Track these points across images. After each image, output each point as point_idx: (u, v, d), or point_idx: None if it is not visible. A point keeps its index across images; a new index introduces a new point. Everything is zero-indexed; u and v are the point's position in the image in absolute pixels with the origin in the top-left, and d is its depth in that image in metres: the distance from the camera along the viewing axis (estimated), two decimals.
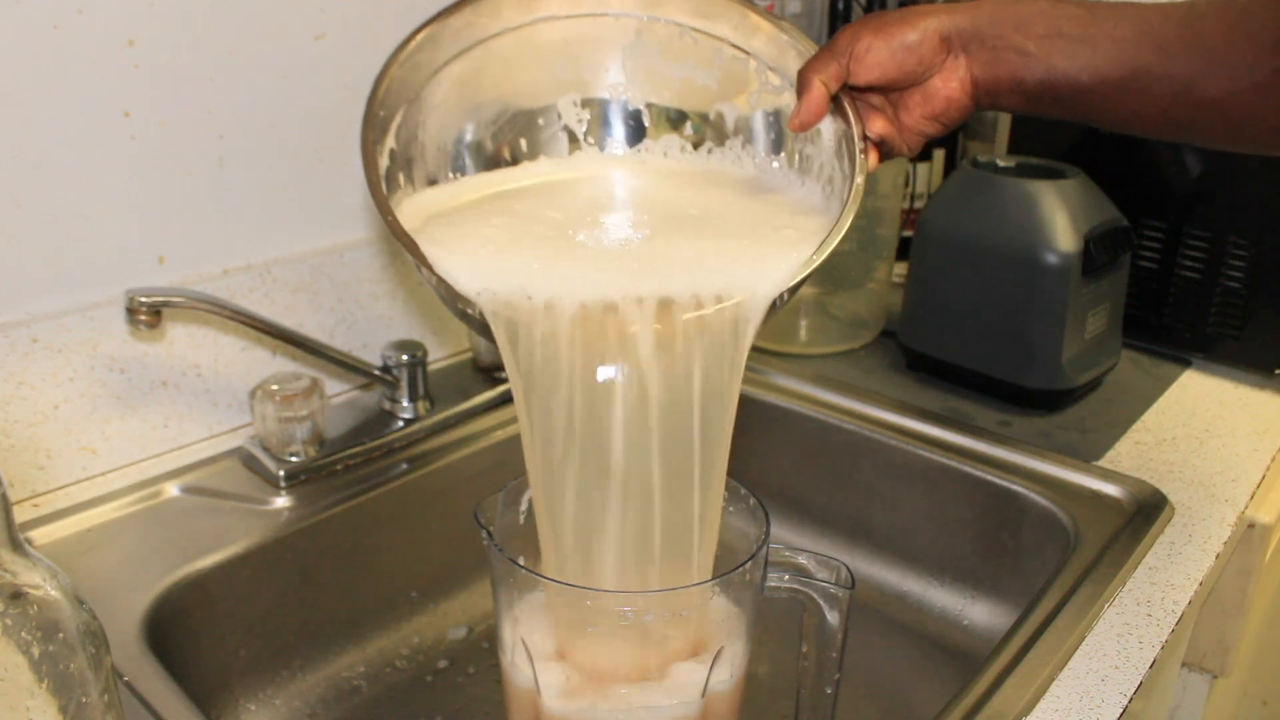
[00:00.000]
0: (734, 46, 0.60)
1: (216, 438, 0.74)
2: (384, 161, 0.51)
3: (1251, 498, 0.71)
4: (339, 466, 0.71)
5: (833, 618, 0.48)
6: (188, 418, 0.73)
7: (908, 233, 1.01)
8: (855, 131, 0.54)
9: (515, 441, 0.72)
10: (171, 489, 0.68)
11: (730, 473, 0.50)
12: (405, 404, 0.76)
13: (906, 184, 1.02)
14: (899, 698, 0.70)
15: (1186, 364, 0.91)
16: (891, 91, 0.56)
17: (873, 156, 0.55)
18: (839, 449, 0.81)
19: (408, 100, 0.53)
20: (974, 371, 0.84)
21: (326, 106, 0.76)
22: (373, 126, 0.50)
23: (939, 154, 1.17)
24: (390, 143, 0.52)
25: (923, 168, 1.14)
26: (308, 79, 0.75)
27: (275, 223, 0.76)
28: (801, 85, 0.54)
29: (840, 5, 1.17)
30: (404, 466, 0.73)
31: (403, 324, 0.84)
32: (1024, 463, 0.74)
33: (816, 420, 0.82)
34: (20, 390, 0.64)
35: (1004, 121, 1.10)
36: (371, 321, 0.82)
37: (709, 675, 0.45)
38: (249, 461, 0.71)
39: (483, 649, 0.72)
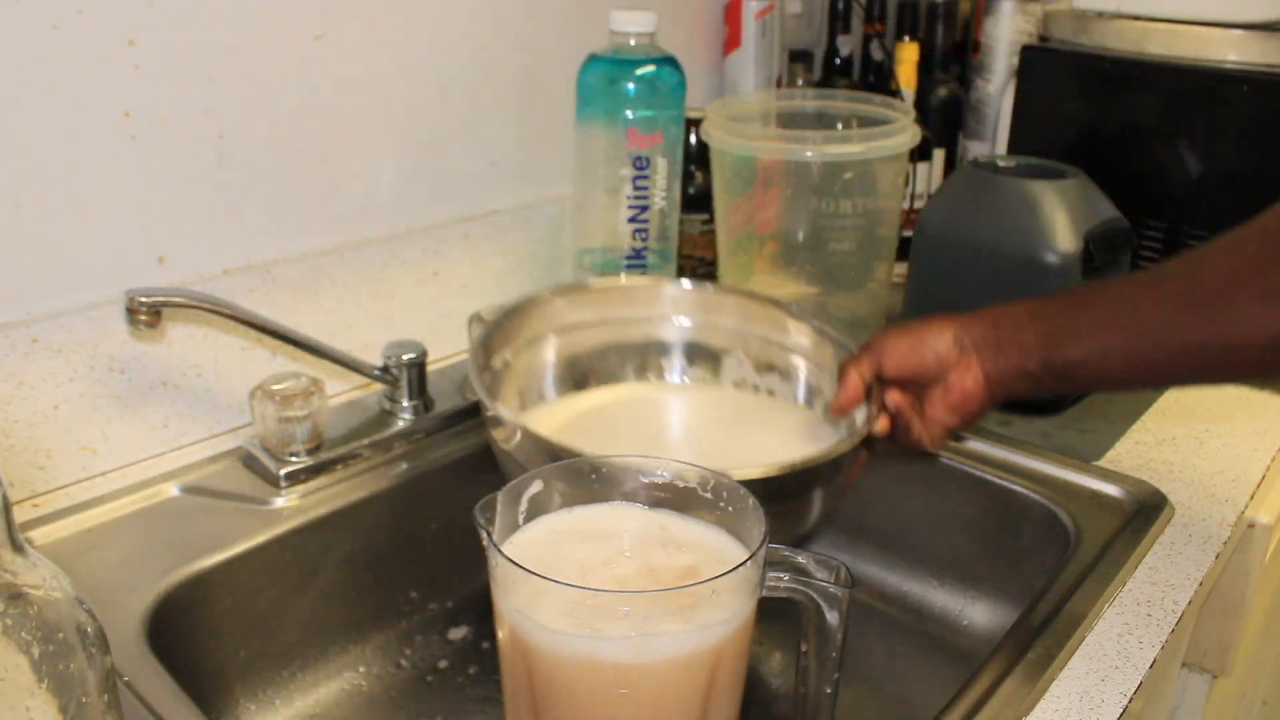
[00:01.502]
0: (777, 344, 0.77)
1: (216, 438, 0.74)
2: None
3: (1251, 498, 0.71)
4: (339, 466, 0.71)
5: (832, 618, 0.48)
6: (188, 418, 0.73)
7: (908, 233, 1.01)
8: (874, 409, 0.65)
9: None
10: (171, 489, 0.68)
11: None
12: (405, 404, 0.76)
13: (906, 184, 1.02)
14: (899, 698, 0.70)
15: None
16: (917, 386, 0.65)
17: (882, 422, 0.65)
18: None
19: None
20: None
21: (326, 106, 0.76)
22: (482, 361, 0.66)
23: (939, 154, 1.17)
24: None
25: (923, 168, 1.14)
26: (308, 79, 0.75)
27: (275, 223, 0.76)
28: (841, 377, 0.66)
29: (840, 5, 1.17)
30: (404, 466, 0.73)
31: (403, 324, 0.84)
32: (1024, 463, 0.74)
33: None
34: (20, 390, 0.64)
35: (1004, 121, 1.11)
36: (371, 321, 0.82)
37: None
38: (249, 461, 0.71)
39: (483, 649, 0.72)
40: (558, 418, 0.73)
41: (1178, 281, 0.58)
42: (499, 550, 0.45)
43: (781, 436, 0.72)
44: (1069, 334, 0.60)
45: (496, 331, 0.70)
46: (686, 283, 0.79)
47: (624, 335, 0.78)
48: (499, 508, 0.49)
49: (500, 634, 0.48)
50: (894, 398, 0.66)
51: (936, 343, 0.64)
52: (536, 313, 0.74)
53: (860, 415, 0.68)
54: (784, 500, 0.59)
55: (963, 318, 0.64)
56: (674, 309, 0.78)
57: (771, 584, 0.48)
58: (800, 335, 0.76)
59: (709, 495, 0.51)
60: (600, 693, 0.45)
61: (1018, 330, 0.62)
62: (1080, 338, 0.59)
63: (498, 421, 0.61)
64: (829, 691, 0.50)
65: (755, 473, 0.55)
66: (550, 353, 0.75)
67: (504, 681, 0.50)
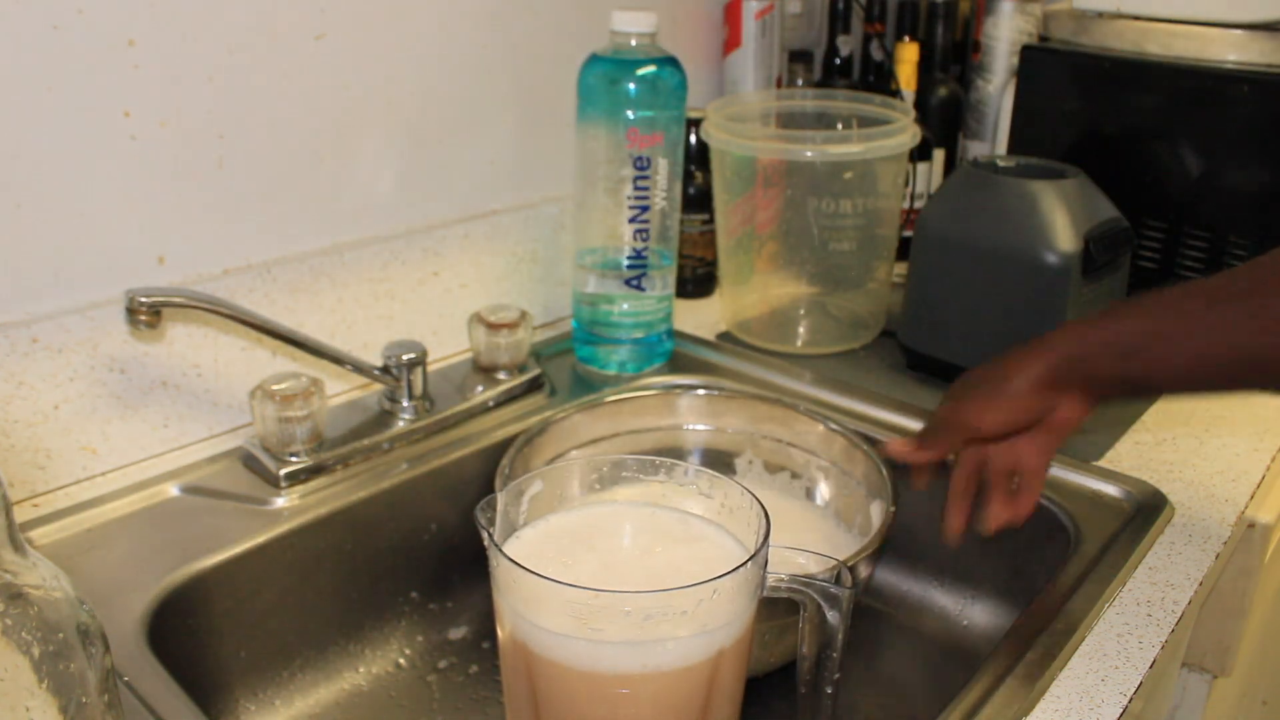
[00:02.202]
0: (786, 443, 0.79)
1: (216, 438, 0.74)
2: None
3: (1251, 498, 0.71)
4: (339, 466, 0.71)
5: (832, 618, 0.48)
6: (188, 418, 0.73)
7: (908, 233, 1.01)
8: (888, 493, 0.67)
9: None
10: (171, 489, 0.68)
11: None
12: (405, 404, 0.76)
13: (906, 184, 1.02)
14: (899, 698, 0.70)
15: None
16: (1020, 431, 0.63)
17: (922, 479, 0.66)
18: None
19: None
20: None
21: (326, 106, 0.76)
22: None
23: (939, 154, 1.17)
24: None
25: (922, 168, 1.14)
26: (308, 79, 0.75)
27: (275, 223, 0.76)
28: (923, 445, 0.64)
29: (840, 5, 1.17)
30: (404, 466, 0.73)
31: (403, 324, 0.84)
32: None
33: None
34: (20, 390, 0.64)
35: (1004, 121, 1.11)
36: (371, 321, 0.82)
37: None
38: (249, 461, 0.71)
39: (483, 649, 0.72)
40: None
41: None
42: (500, 550, 0.45)
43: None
44: (1162, 343, 0.57)
45: (519, 457, 0.71)
46: (700, 390, 0.81)
47: (639, 445, 0.80)
48: (500, 508, 0.49)
49: (501, 634, 0.49)
50: (972, 459, 0.64)
51: (1029, 400, 0.60)
52: (556, 431, 0.76)
53: (877, 512, 0.69)
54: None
55: (1039, 349, 0.60)
56: (687, 417, 0.81)
57: (773, 584, 0.48)
58: (810, 434, 0.77)
59: (709, 496, 0.51)
60: (601, 694, 0.45)
61: (1103, 351, 0.58)
62: (1175, 344, 0.56)
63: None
64: (829, 691, 0.50)
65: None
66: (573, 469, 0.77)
67: (504, 681, 0.50)
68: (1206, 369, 0.56)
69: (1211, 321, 0.55)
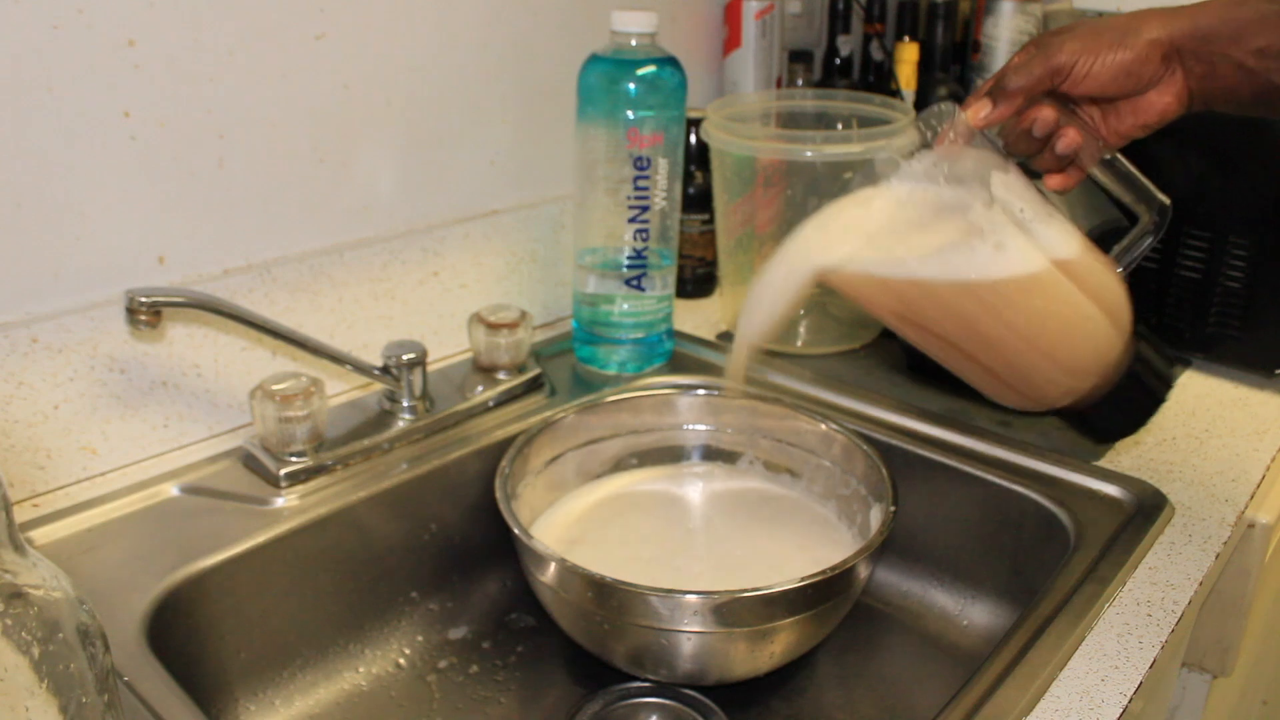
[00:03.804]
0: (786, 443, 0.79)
1: (216, 438, 0.74)
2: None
3: (1251, 498, 0.71)
4: (339, 466, 0.71)
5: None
6: (188, 418, 0.73)
7: None
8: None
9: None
10: (171, 489, 0.68)
11: None
12: (405, 404, 0.76)
13: None
14: (899, 698, 0.70)
15: (1186, 364, 0.91)
16: (1103, 101, 0.57)
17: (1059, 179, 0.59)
18: None
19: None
20: None
21: (326, 106, 0.76)
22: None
23: None
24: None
25: None
26: (308, 79, 0.75)
27: (275, 223, 0.76)
28: (1004, 79, 0.56)
29: (840, 5, 1.17)
30: (404, 466, 0.73)
31: (403, 324, 0.84)
32: (1024, 463, 0.74)
33: None
34: (20, 390, 0.64)
35: None
36: (371, 321, 0.82)
37: None
38: (249, 461, 0.71)
39: (483, 649, 0.72)
40: (573, 513, 0.76)
41: None
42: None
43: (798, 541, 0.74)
44: None
45: (519, 457, 0.71)
46: (700, 390, 0.81)
47: (639, 445, 0.81)
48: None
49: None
50: (1048, 114, 0.56)
51: (1138, 62, 0.54)
52: (556, 431, 0.76)
53: (877, 512, 0.69)
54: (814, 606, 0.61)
55: (1166, 14, 0.54)
56: (687, 417, 0.81)
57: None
58: (810, 434, 0.78)
59: None
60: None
61: (1236, 43, 0.52)
62: None
63: (534, 555, 0.63)
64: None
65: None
66: (571, 468, 0.78)
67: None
68: None
69: None
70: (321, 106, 0.76)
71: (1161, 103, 0.56)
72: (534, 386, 0.83)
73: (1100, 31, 0.55)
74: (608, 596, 0.59)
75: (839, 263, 0.56)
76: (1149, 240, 0.62)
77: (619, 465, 0.81)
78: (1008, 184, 0.56)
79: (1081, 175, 0.60)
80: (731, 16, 1.11)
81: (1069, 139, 0.57)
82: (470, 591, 0.76)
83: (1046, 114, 0.57)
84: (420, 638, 0.73)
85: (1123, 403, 0.60)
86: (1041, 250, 0.55)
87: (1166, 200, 0.61)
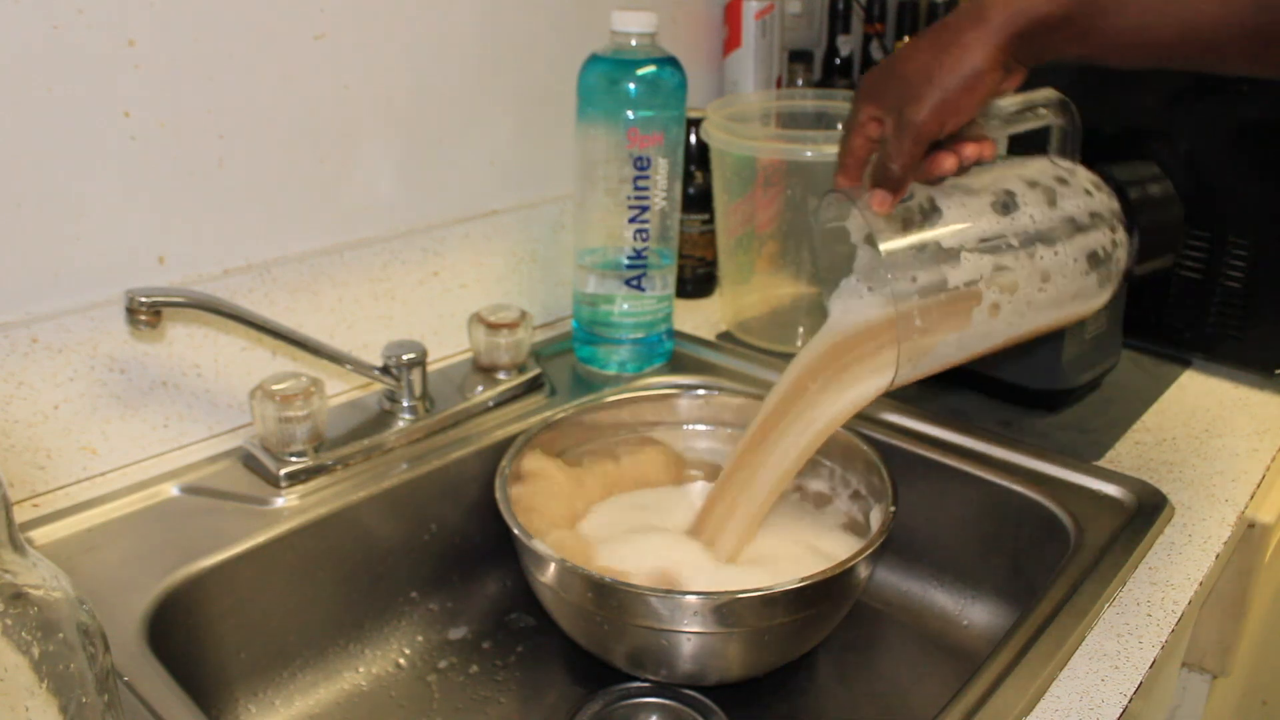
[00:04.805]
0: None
1: (216, 438, 0.74)
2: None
3: (1251, 498, 0.71)
4: (339, 466, 0.71)
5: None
6: (188, 418, 0.73)
7: None
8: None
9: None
10: (171, 489, 0.68)
11: None
12: (405, 404, 0.76)
13: None
14: (899, 698, 0.70)
15: (1186, 364, 0.91)
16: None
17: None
18: None
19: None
20: (974, 371, 0.84)
21: (326, 106, 0.76)
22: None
23: None
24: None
25: None
26: (308, 79, 0.75)
27: (275, 223, 0.76)
28: (890, 181, 0.56)
29: (840, 5, 1.17)
30: (404, 466, 0.73)
31: (403, 324, 0.84)
32: (1024, 463, 0.74)
33: None
34: (20, 390, 0.64)
35: None
36: (371, 321, 0.82)
37: None
38: (249, 461, 0.71)
39: (483, 649, 0.72)
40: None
41: None
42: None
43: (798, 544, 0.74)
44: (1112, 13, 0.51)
45: (519, 457, 0.72)
46: (700, 390, 0.81)
47: (639, 445, 0.81)
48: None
49: None
50: (945, 161, 0.57)
51: (985, 67, 0.53)
52: (556, 431, 0.76)
53: (877, 512, 0.69)
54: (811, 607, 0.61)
55: (980, 24, 0.53)
56: (687, 417, 0.81)
57: None
58: None
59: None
60: None
61: (1058, 24, 0.52)
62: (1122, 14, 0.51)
63: (534, 555, 0.63)
64: None
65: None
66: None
67: None
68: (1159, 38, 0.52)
69: None
70: (321, 106, 0.76)
71: (1002, 86, 0.56)
72: (534, 386, 0.83)
73: (942, 84, 0.53)
74: (607, 597, 0.59)
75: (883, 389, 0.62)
76: (1072, 134, 0.66)
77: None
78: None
79: (991, 142, 0.60)
80: (731, 16, 1.11)
81: (968, 154, 0.58)
82: (470, 591, 0.76)
83: (943, 162, 0.57)
84: (420, 638, 0.73)
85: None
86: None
87: (1062, 95, 0.64)
